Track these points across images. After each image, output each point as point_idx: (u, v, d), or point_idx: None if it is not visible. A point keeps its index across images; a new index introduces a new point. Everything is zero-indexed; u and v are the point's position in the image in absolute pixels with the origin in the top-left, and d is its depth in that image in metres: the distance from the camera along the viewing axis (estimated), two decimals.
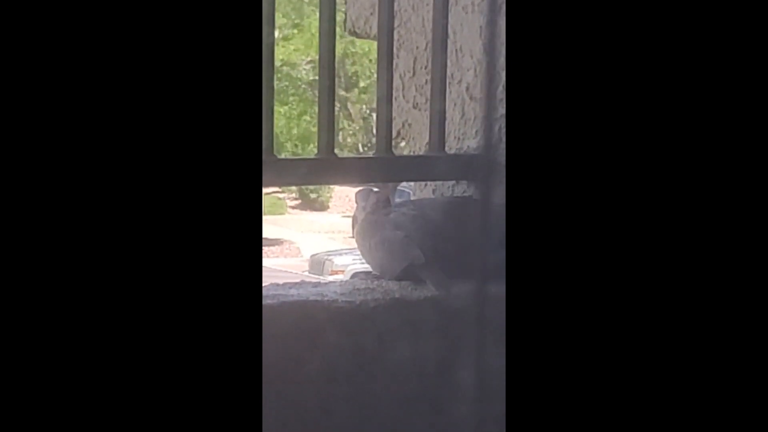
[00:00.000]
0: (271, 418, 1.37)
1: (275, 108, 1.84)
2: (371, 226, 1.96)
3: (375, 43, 1.94)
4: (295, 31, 15.90)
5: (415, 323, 1.80)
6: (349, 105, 16.78)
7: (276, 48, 1.89)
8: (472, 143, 2.04)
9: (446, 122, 1.97)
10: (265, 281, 1.49)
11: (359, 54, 15.37)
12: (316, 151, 1.88)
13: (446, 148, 1.98)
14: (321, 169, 1.88)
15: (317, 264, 11.97)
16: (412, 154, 2.17)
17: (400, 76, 2.16)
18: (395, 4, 1.91)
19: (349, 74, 16.21)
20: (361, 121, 17.14)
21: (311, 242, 15.28)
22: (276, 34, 1.82)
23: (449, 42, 1.97)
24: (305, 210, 18.03)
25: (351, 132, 17.25)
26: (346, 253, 11.59)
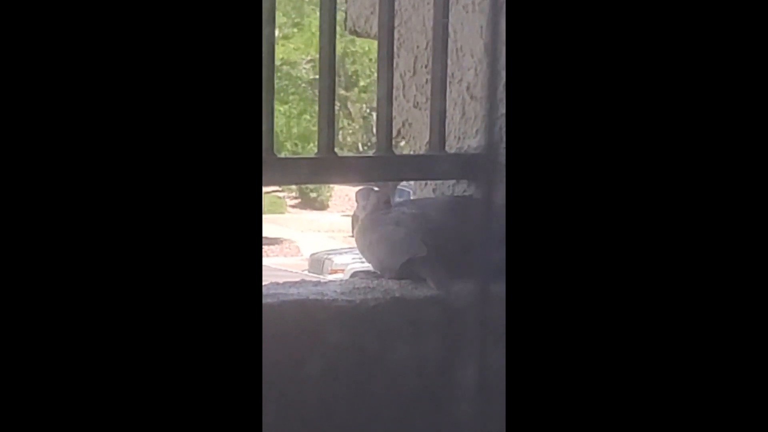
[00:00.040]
0: (271, 417, 1.37)
1: (275, 107, 1.84)
2: (371, 225, 1.96)
3: (375, 43, 1.94)
4: (295, 30, 15.90)
5: (416, 322, 1.80)
6: (348, 104, 16.78)
7: (276, 47, 1.89)
8: (472, 142, 2.04)
9: (446, 121, 1.97)
10: (265, 280, 1.49)
11: (359, 53, 15.38)
12: (316, 150, 1.88)
13: (446, 148, 1.98)
14: (321, 168, 1.88)
15: (317, 263, 11.98)
16: (412, 153, 2.17)
17: (401, 75, 2.16)
18: (396, 3, 1.91)
19: (349, 73, 16.21)
20: (361, 120, 17.15)
21: (311, 241, 15.29)
22: (276, 32, 1.82)
23: (450, 41, 1.97)
24: (305, 209, 18.04)
25: (351, 131, 17.26)
26: (345, 252, 11.59)
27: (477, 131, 2.04)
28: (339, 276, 9.74)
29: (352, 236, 2.05)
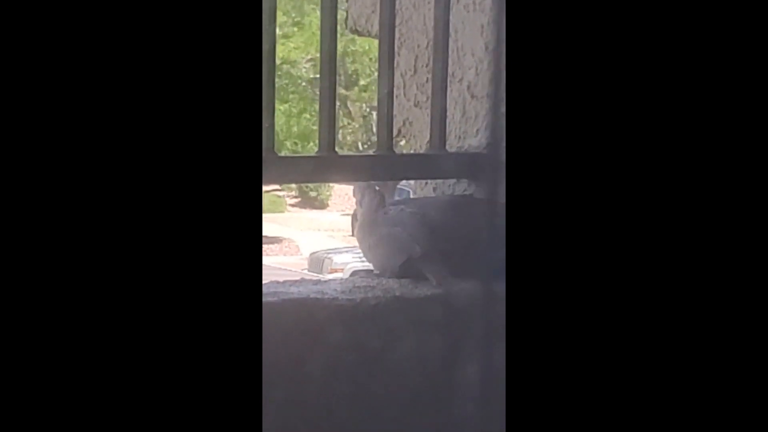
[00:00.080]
0: (272, 416, 1.37)
1: (275, 106, 1.84)
2: (370, 226, 1.96)
3: (375, 42, 1.94)
4: (296, 29, 15.90)
5: (416, 321, 1.80)
6: (349, 103, 16.78)
7: (276, 46, 1.89)
8: (473, 142, 2.04)
9: (447, 121, 1.97)
10: (265, 279, 1.49)
11: (359, 52, 15.37)
12: (316, 149, 1.88)
13: (447, 147, 1.98)
14: (322, 167, 1.88)
15: (316, 262, 11.98)
16: (413, 152, 2.17)
17: (402, 74, 2.16)
18: (396, 2, 1.91)
19: (349, 72, 16.20)
20: (361, 119, 17.15)
21: (310, 240, 15.29)
22: (276, 31, 1.82)
23: (450, 40, 1.97)
24: (305, 208, 18.05)
25: (351, 130, 17.26)
26: (345, 252, 11.60)
27: (478, 130, 2.04)
28: (338, 275, 9.75)
29: (352, 235, 2.06)
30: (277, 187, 15.77)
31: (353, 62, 16.00)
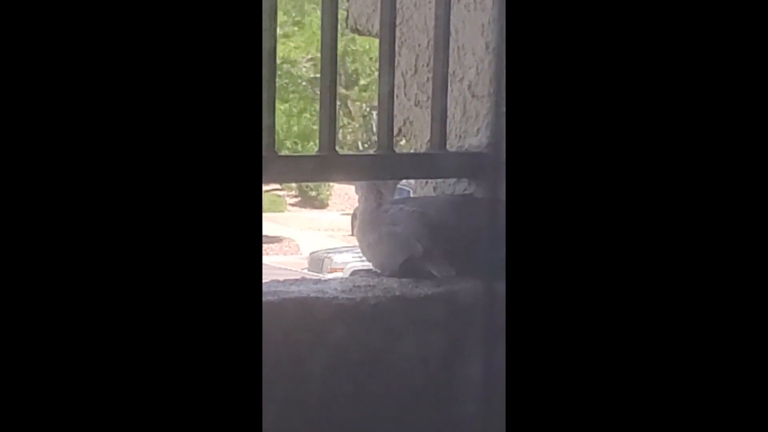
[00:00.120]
0: (272, 415, 1.37)
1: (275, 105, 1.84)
2: (369, 225, 1.96)
3: (375, 41, 1.94)
4: (296, 28, 15.89)
5: (417, 320, 1.80)
6: (349, 103, 16.78)
7: (277, 45, 1.89)
8: (473, 141, 2.05)
9: (448, 120, 1.97)
10: (265, 278, 1.49)
11: (359, 52, 15.37)
12: (316, 148, 1.88)
13: (447, 146, 1.98)
14: (323, 166, 1.88)
15: (316, 262, 11.98)
16: (413, 151, 2.17)
17: (402, 73, 2.16)
18: (397, 2, 1.91)
19: (350, 72, 16.20)
20: (361, 119, 17.15)
21: (310, 240, 15.29)
22: (277, 31, 1.82)
23: (451, 39, 1.97)
24: (305, 207, 18.04)
25: (351, 130, 17.26)
26: (345, 251, 11.60)
27: (478, 130, 2.04)
28: (338, 275, 9.75)
29: (352, 235, 2.06)
30: (277, 186, 15.77)
31: (354, 62, 15.99)
